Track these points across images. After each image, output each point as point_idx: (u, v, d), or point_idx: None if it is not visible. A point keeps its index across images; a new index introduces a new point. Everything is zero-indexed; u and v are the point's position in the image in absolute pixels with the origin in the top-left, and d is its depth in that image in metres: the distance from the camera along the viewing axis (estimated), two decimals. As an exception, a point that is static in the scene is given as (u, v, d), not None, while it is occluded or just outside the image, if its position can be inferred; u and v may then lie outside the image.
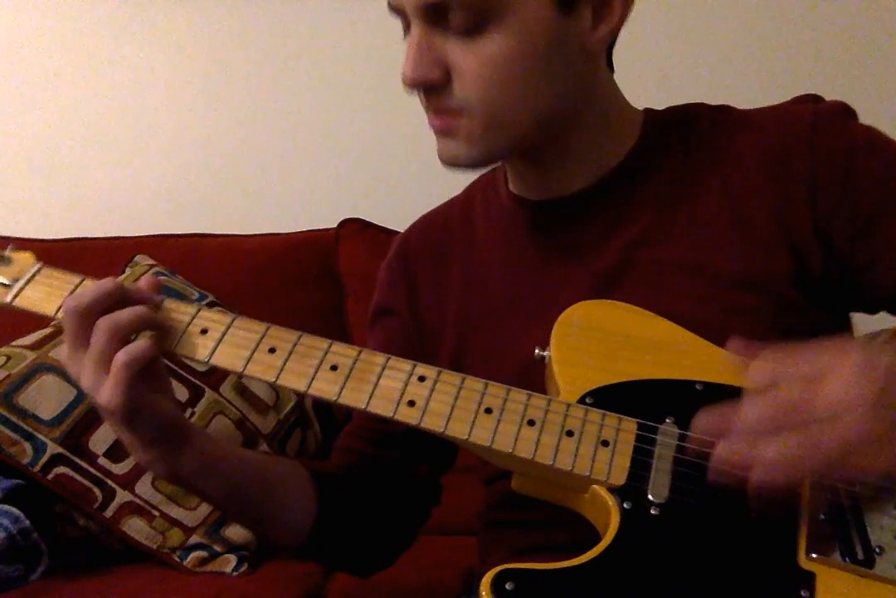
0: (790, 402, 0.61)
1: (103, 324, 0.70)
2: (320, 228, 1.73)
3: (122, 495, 1.27)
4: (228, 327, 0.75)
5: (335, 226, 1.71)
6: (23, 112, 1.92)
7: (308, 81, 1.91)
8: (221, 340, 0.74)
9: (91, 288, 0.72)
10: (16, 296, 0.78)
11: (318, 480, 0.88)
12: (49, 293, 0.78)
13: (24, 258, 0.81)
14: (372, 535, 0.94)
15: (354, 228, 1.69)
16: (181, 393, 1.33)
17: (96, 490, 1.26)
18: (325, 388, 0.72)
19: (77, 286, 0.77)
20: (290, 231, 1.73)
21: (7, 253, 0.82)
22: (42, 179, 1.92)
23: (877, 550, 0.64)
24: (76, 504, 1.27)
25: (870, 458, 0.60)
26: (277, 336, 0.74)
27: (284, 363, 0.73)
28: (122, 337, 0.71)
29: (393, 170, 1.89)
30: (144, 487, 1.28)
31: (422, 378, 0.72)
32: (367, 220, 1.70)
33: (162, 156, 1.92)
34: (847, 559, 0.64)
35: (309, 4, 1.89)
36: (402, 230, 1.03)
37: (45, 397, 1.29)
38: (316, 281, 1.67)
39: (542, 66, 0.76)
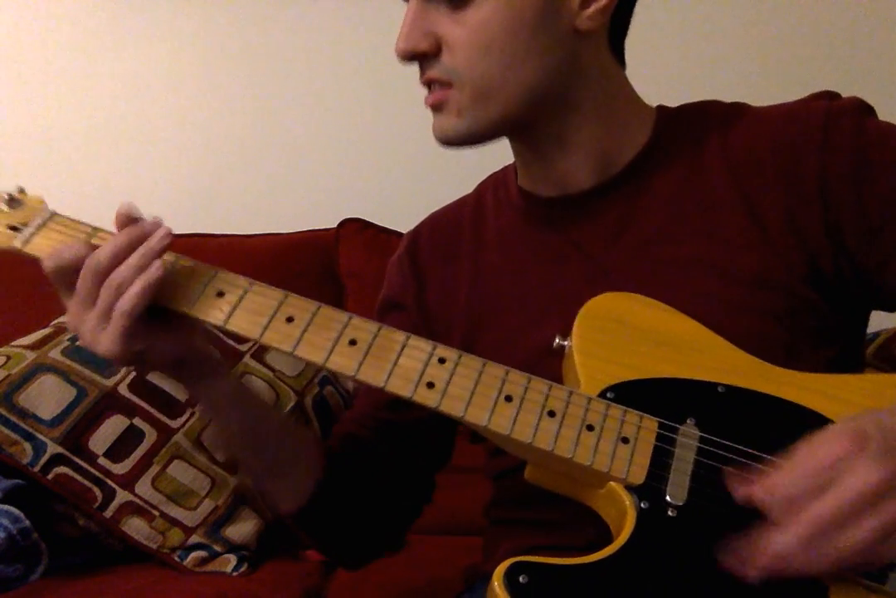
0: (817, 517, 0.61)
1: (112, 283, 0.70)
2: (320, 228, 1.73)
3: (122, 495, 1.26)
4: (246, 292, 0.73)
5: (335, 226, 1.71)
6: (22, 112, 1.92)
7: (308, 82, 1.92)
8: (238, 304, 0.72)
9: (106, 247, 0.71)
10: (26, 242, 0.76)
11: (328, 451, 0.90)
12: (61, 242, 0.75)
13: (35, 202, 0.78)
14: (366, 520, 0.94)
15: (354, 228, 1.69)
16: (182, 392, 1.33)
17: (96, 490, 1.26)
18: (344, 362, 0.71)
19: (90, 235, 0.75)
20: (290, 231, 1.73)
21: (18, 195, 0.78)
22: (42, 180, 1.91)
23: (890, 566, 0.64)
24: (76, 504, 1.27)
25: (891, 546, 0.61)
26: (296, 305, 0.72)
27: (303, 334, 0.71)
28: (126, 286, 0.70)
29: (393, 170, 1.89)
30: (144, 487, 1.27)
31: (442, 360, 0.71)
32: (367, 220, 1.70)
33: (162, 156, 1.92)
34: (860, 575, 0.64)
35: (309, 4, 1.89)
36: (402, 230, 1.03)
37: (45, 397, 1.28)
38: (316, 281, 1.67)
39: (527, 37, 0.78)
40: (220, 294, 0.73)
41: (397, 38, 0.80)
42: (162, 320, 0.74)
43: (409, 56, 0.80)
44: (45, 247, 0.75)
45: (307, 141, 1.91)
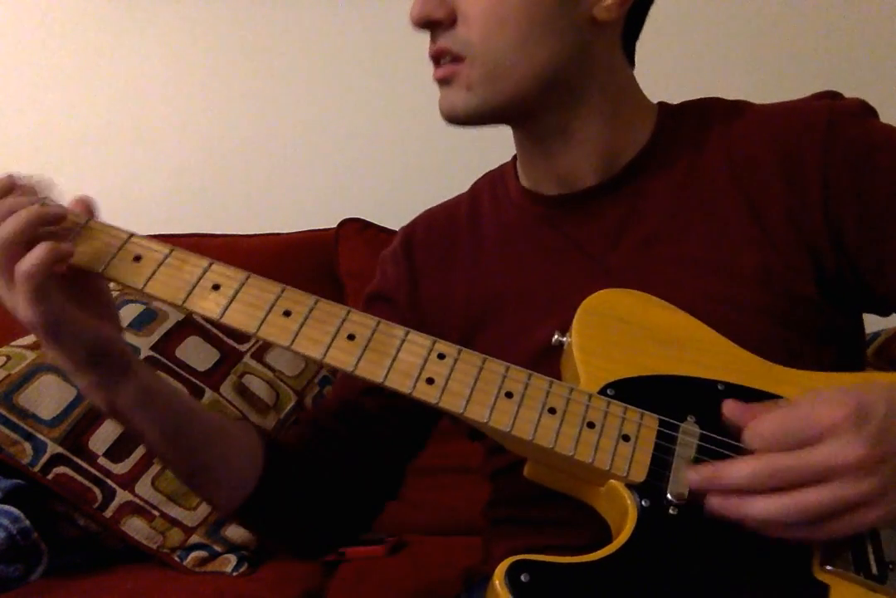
0: (782, 466, 0.61)
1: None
2: (320, 228, 1.73)
3: (122, 495, 1.26)
4: (242, 285, 0.71)
5: (335, 226, 1.71)
6: (22, 112, 1.92)
7: (308, 82, 1.92)
8: (234, 297, 0.70)
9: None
10: None
11: (270, 447, 0.85)
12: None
13: None
14: (316, 515, 0.91)
15: (354, 228, 1.69)
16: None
17: (96, 490, 1.26)
18: (342, 358, 0.69)
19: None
20: (290, 231, 1.73)
21: None
22: (41, 179, 1.92)
23: (890, 566, 0.64)
24: (76, 504, 1.27)
25: (860, 516, 0.61)
26: (293, 299, 0.71)
27: (300, 328, 0.69)
28: (18, 248, 0.66)
29: (393, 170, 1.89)
30: (144, 487, 1.27)
31: (442, 356, 0.70)
32: (367, 220, 1.70)
33: (162, 156, 1.91)
34: (861, 574, 0.64)
35: (309, 4, 1.89)
36: (402, 230, 1.03)
37: (45, 397, 1.28)
38: (316, 281, 1.66)
39: (544, 18, 0.78)
40: (216, 287, 0.71)
41: (412, 4, 0.79)
42: (83, 291, 0.71)
43: (422, 23, 0.79)
44: None
45: (307, 141, 1.91)
